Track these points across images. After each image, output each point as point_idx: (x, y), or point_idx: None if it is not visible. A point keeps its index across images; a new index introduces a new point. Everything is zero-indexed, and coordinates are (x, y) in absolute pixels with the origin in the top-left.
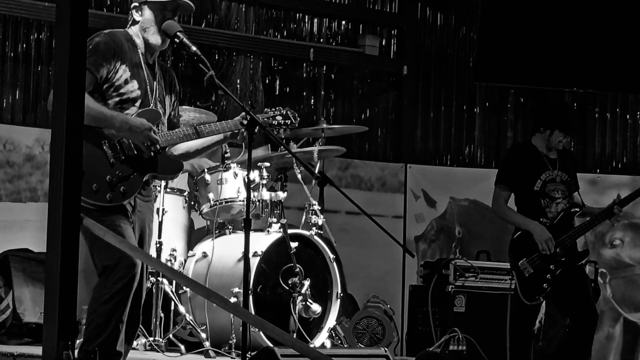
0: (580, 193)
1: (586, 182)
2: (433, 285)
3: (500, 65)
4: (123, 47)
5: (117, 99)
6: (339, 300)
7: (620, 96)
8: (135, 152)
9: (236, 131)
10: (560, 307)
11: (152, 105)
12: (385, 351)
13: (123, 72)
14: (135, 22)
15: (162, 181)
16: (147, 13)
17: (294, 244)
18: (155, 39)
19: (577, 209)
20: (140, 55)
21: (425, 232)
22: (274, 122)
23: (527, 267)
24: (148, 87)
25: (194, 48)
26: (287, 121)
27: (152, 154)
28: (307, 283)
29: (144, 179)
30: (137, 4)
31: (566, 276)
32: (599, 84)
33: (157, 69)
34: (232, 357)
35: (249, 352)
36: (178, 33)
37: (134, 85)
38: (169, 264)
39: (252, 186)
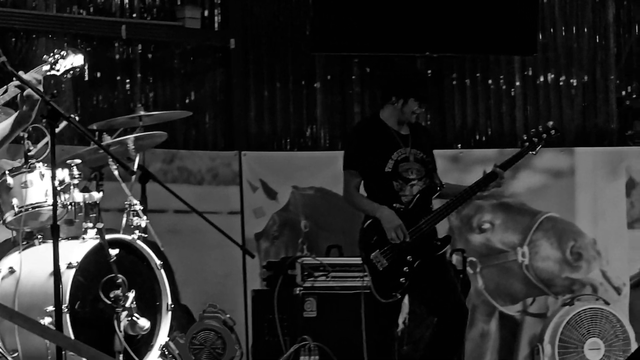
0: (439, 173)
1: (447, 160)
2: (279, 289)
3: (340, 32)
4: None
5: None
6: (170, 312)
7: (479, 59)
8: None
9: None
10: (425, 304)
11: None
12: None
13: None
14: None
15: None
16: None
17: (114, 251)
18: None
19: (436, 190)
20: None
21: (266, 228)
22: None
23: (381, 259)
24: None
25: None
26: (65, 63)
27: None
28: (131, 295)
29: None
30: None
31: (427, 268)
32: (454, 47)
33: None
34: None
35: None
36: None
37: None
38: None
39: (61, 187)
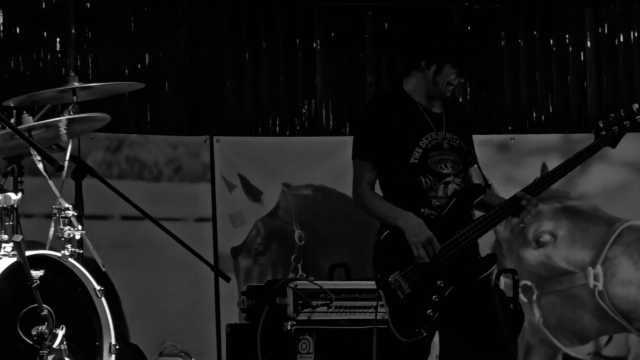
0: (483, 167)
1: (492, 148)
2: (263, 323)
3: None
4: None
5: None
6: (113, 355)
7: (538, 10)
8: None
9: None
10: (460, 344)
11: None
12: None
13: None
14: None
15: None
16: None
17: (37, 273)
18: None
19: (480, 191)
20: None
21: (247, 240)
22: None
23: (402, 284)
24: None
25: None
26: None
27: None
28: (61, 333)
29: None
30: None
31: (464, 296)
32: None
33: None
34: None
35: None
36: None
37: None
38: None
39: None
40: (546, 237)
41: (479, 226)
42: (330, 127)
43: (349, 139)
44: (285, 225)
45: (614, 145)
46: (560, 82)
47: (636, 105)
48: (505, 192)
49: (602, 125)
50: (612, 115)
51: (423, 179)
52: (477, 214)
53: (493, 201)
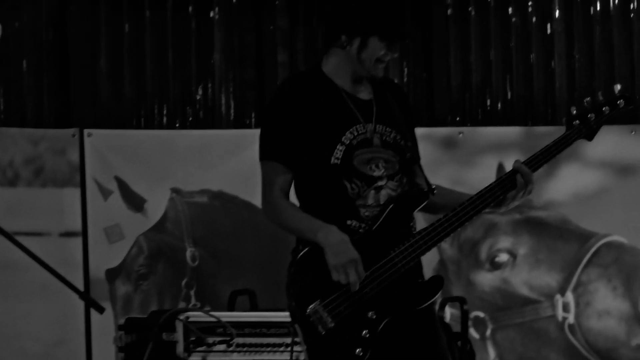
0: (426, 167)
1: (436, 144)
2: None
3: None
4: None
5: None
6: None
7: None
8: None
9: None
10: None
11: None
12: None
13: None
14: None
15: None
16: None
17: None
18: None
19: (421, 198)
20: None
21: (127, 260)
22: None
23: (324, 317)
24: None
25: None
26: None
27: None
28: None
29: None
30: None
31: (402, 331)
32: None
33: None
34: None
35: None
36: None
37: None
38: None
39: None
40: (503, 257)
41: (426, 236)
42: (232, 117)
43: (256, 133)
44: (174, 241)
45: (590, 138)
46: (522, 60)
47: (618, 87)
48: None
49: (575, 113)
50: (587, 100)
51: (348, 184)
52: (425, 221)
53: (445, 202)
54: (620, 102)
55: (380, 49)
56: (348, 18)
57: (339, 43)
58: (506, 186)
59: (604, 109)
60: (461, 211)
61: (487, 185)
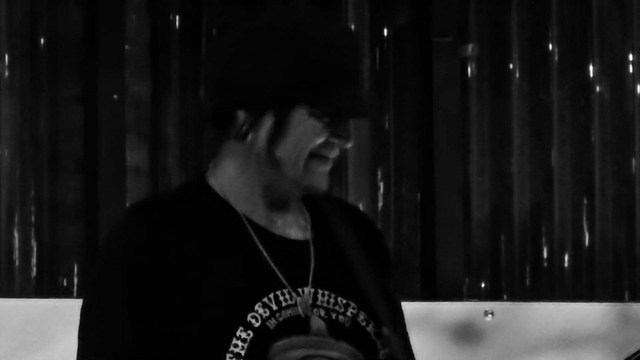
0: None
1: (445, 330)
2: None
3: None
4: None
5: None
6: None
7: None
8: None
9: None
10: None
11: None
12: None
13: None
14: None
15: None
16: None
17: None
18: None
19: None
20: None
21: None
22: None
23: None
24: None
25: None
26: None
27: None
28: None
29: None
30: None
31: None
32: None
33: None
34: None
35: None
36: None
37: None
38: None
39: None
40: None
41: None
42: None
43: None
44: None
45: None
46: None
47: None
48: None
49: None
50: None
51: None
52: None
53: None
54: None
55: (315, 131)
56: (248, 75)
57: (234, 130)
58: None
59: None
60: None
61: None
